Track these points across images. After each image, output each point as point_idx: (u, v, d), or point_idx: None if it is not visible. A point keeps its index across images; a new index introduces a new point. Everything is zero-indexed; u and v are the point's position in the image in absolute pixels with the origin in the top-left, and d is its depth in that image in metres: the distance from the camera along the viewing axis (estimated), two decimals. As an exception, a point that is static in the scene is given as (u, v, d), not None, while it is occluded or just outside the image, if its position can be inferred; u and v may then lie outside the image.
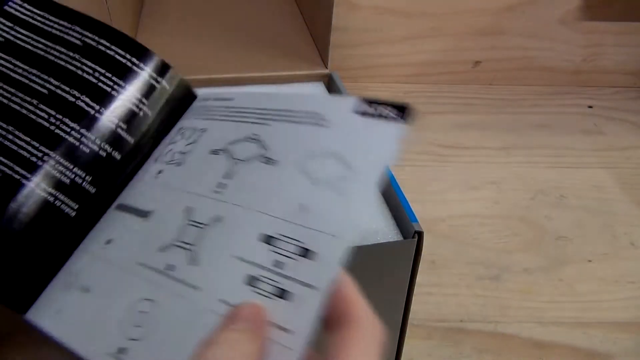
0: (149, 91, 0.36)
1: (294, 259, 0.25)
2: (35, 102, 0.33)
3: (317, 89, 0.53)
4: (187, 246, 0.28)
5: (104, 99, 0.34)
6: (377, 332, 0.22)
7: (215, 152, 0.32)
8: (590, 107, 0.63)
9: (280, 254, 0.26)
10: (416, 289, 0.33)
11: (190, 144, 0.34)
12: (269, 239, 0.26)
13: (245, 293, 0.25)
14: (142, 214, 0.31)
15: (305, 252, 0.25)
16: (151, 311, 0.27)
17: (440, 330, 0.39)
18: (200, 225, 0.29)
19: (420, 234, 0.32)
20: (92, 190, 0.32)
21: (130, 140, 0.34)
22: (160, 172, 0.33)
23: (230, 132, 0.33)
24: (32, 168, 0.31)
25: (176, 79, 0.37)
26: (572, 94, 0.65)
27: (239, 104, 0.35)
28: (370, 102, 0.30)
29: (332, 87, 0.53)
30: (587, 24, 0.62)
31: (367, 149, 0.28)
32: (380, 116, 0.29)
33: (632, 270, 0.45)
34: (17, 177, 0.31)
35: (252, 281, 0.25)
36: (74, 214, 0.31)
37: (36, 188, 0.31)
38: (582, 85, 0.65)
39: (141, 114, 0.35)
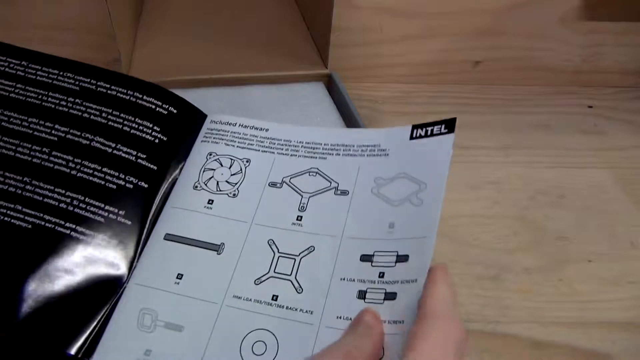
0: (158, 118, 0.36)
1: (392, 267, 0.29)
2: (47, 150, 0.33)
3: (318, 88, 0.53)
4: (285, 276, 0.30)
5: (117, 135, 0.35)
6: (453, 330, 0.24)
7: (274, 184, 0.34)
8: (590, 107, 0.63)
9: (381, 266, 0.29)
10: (416, 289, 0.33)
11: (236, 174, 0.35)
12: (369, 258, 0.30)
13: (359, 306, 0.28)
14: (213, 247, 0.32)
15: (400, 258, 0.29)
16: (269, 338, 0.29)
17: (440, 330, 0.39)
18: (292, 257, 0.31)
19: None
20: (128, 222, 0.32)
21: (154, 167, 0.34)
22: (210, 201, 0.34)
23: (285, 165, 0.35)
24: (64, 215, 0.31)
25: (180, 101, 0.38)
26: (572, 94, 0.65)
27: (277, 135, 0.36)
28: (421, 126, 0.34)
29: (332, 87, 0.53)
30: (587, 24, 0.62)
31: (428, 163, 0.32)
32: (432, 135, 0.33)
33: (632, 270, 0.45)
34: (50, 225, 0.31)
35: (363, 295, 0.29)
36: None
37: (73, 233, 0.31)
38: (582, 85, 0.65)
39: (156, 140, 0.35)
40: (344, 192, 0.33)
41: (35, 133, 0.34)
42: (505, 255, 0.45)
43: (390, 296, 0.28)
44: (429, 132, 0.33)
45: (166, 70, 0.52)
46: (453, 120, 0.33)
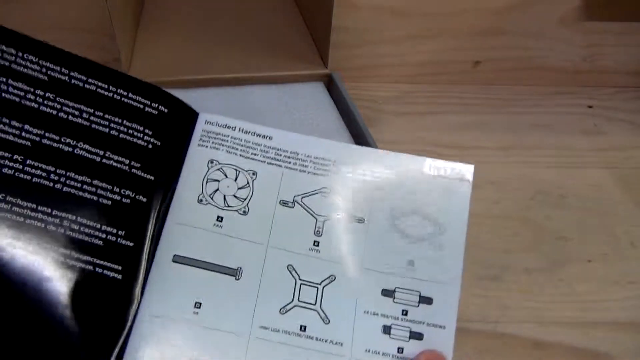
0: (148, 120, 0.31)
1: (415, 306, 0.30)
2: (20, 158, 0.27)
3: (318, 88, 0.53)
4: (310, 306, 0.30)
5: (105, 141, 0.29)
6: None
7: (285, 203, 0.32)
8: (590, 107, 0.63)
9: (403, 304, 0.30)
10: (416, 289, 0.33)
11: (244, 187, 0.33)
12: (390, 293, 0.30)
13: (386, 341, 0.29)
14: (230, 271, 0.30)
15: (423, 299, 0.30)
16: None
17: (440, 330, 0.39)
18: (315, 285, 0.30)
19: None
20: (131, 244, 0.28)
21: (150, 177, 0.30)
22: (220, 219, 0.31)
23: (295, 182, 0.33)
24: (54, 238, 0.26)
25: (170, 98, 0.33)
26: (572, 94, 0.65)
27: (283, 145, 0.34)
28: (437, 161, 0.33)
29: (332, 87, 0.53)
30: (587, 24, 0.62)
31: (446, 207, 0.32)
32: (449, 178, 0.33)
33: (632, 270, 0.45)
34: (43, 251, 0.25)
35: (388, 330, 0.29)
36: (120, 276, 0.27)
37: (67, 260, 0.26)
38: (582, 85, 0.65)
39: (150, 146, 0.31)
40: (360, 220, 0.31)
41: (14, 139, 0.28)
42: (505, 255, 0.45)
43: (416, 335, 0.29)
44: (445, 173, 0.33)
45: (166, 70, 0.52)
46: (469, 165, 0.32)
